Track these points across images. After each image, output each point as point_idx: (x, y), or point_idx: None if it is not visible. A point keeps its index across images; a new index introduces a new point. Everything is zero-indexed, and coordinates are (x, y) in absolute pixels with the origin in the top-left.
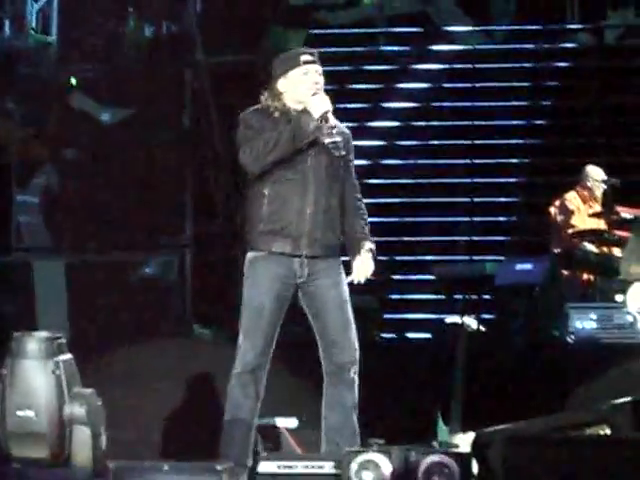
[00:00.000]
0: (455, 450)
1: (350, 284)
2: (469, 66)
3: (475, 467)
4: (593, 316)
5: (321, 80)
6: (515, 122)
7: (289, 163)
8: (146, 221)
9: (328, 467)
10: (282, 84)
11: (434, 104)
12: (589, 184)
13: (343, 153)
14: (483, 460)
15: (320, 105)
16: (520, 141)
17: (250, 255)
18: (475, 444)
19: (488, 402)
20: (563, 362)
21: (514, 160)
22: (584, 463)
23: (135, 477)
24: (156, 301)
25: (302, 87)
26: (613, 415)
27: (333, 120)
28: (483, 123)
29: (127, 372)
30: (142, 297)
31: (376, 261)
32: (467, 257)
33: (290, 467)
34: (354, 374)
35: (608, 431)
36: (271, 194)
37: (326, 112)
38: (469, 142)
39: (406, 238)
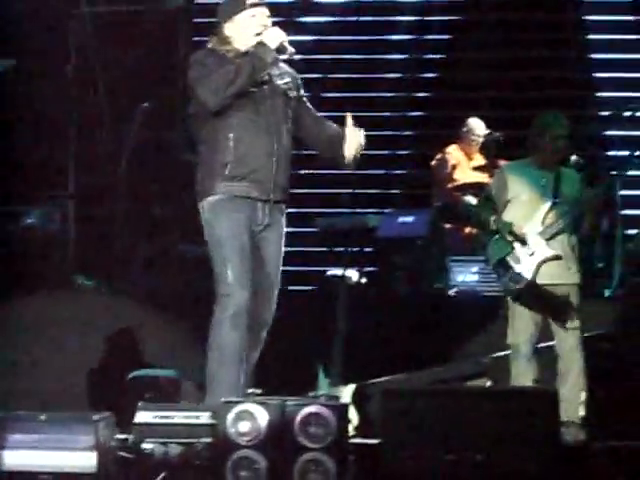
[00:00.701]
0: (331, 402)
1: None
2: (353, 19)
3: (355, 419)
4: (474, 269)
5: (268, 22)
6: (399, 75)
7: (251, 106)
8: (29, 174)
9: (205, 417)
10: (229, 28)
11: (319, 57)
12: (471, 137)
13: (295, 94)
14: (363, 412)
15: (276, 36)
16: (403, 94)
17: (212, 199)
18: (355, 396)
19: (370, 354)
20: (445, 314)
21: (397, 113)
22: (460, 414)
23: (11, 427)
24: (38, 252)
25: (249, 30)
26: (493, 368)
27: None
28: (367, 76)
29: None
30: (24, 248)
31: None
32: (350, 210)
33: (167, 417)
34: (264, 336)
35: (489, 383)
36: (237, 137)
37: (282, 42)
38: (352, 95)
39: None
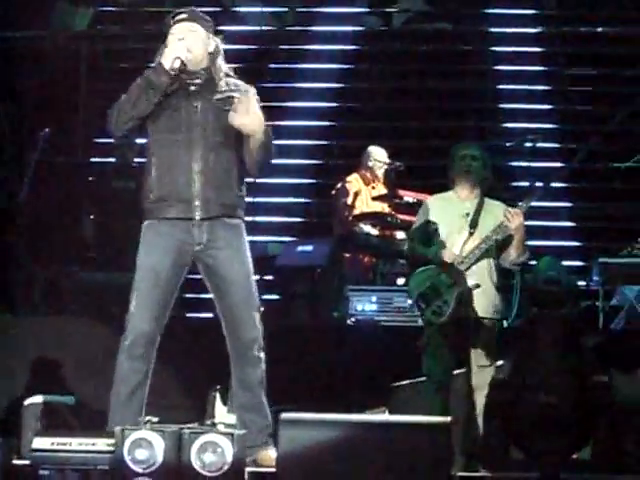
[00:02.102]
0: (228, 430)
1: None
2: (258, 47)
3: None
4: (373, 299)
5: (190, 36)
6: (302, 104)
7: (169, 124)
8: None
9: (102, 444)
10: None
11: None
12: (371, 165)
13: (229, 107)
14: None
15: (169, 54)
16: (307, 123)
17: (145, 223)
18: None
19: (269, 382)
20: (343, 343)
21: (300, 142)
22: (354, 444)
23: None
24: None
25: (169, 46)
26: (391, 397)
27: (225, 77)
28: (273, 104)
29: None
30: None
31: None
32: (250, 237)
33: (64, 444)
34: (257, 351)
35: (386, 413)
36: (158, 159)
37: (176, 59)
38: None
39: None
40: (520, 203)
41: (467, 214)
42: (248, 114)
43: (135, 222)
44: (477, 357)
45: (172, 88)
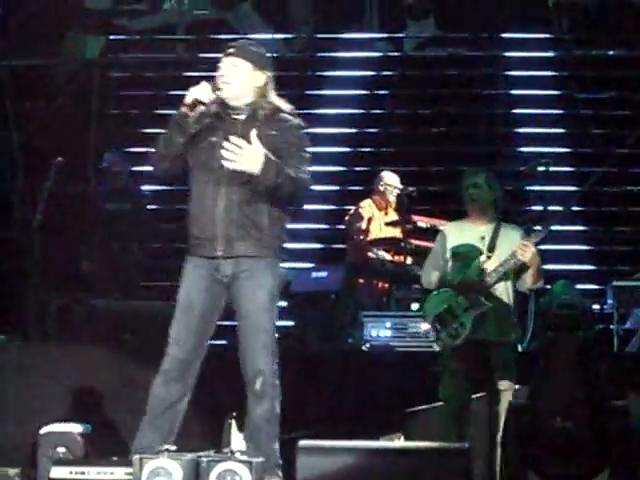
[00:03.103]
0: (245, 457)
1: None
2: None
3: None
4: (388, 324)
5: (230, 71)
6: (315, 130)
7: (207, 161)
8: None
9: (120, 473)
10: None
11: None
12: (384, 191)
13: (267, 145)
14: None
15: (190, 94)
16: (320, 149)
17: (186, 257)
18: None
19: (285, 409)
20: (358, 369)
21: (314, 168)
22: (373, 471)
23: None
24: None
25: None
26: (407, 423)
27: (276, 112)
28: None
29: None
30: None
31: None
32: None
33: (82, 473)
34: (260, 386)
35: (402, 439)
36: (193, 196)
37: (195, 100)
38: None
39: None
40: (533, 234)
41: (483, 237)
42: (242, 159)
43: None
44: (496, 379)
45: (197, 130)
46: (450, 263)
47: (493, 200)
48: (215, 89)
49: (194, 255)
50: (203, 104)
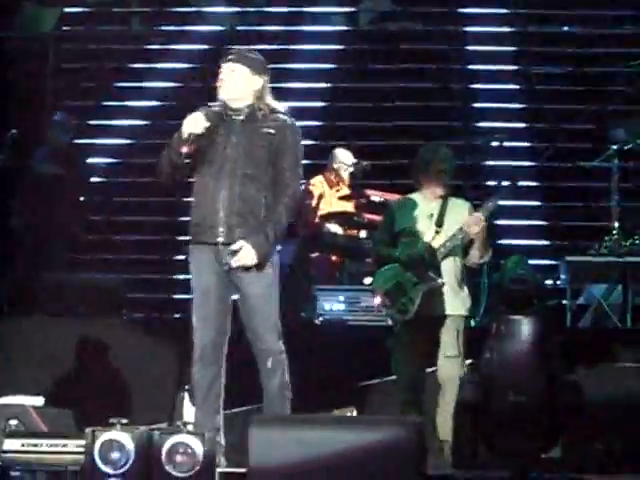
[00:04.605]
0: (198, 430)
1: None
2: (228, 47)
3: (222, 446)
4: (341, 298)
5: (230, 75)
6: None
7: (210, 157)
8: None
9: (72, 445)
10: None
11: (195, 85)
12: (336, 167)
13: (264, 143)
14: (231, 440)
15: (185, 129)
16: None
17: (189, 247)
18: (224, 424)
19: (237, 382)
20: (311, 343)
21: None
22: (325, 443)
23: None
24: None
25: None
26: (360, 397)
27: (271, 112)
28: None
29: None
30: None
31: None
32: None
33: (35, 445)
34: (271, 364)
35: (355, 412)
36: (196, 188)
37: (190, 134)
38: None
39: (158, 218)
40: (482, 208)
41: (432, 215)
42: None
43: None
44: (444, 348)
45: (194, 149)
46: (399, 239)
47: (451, 178)
48: (207, 120)
49: (196, 243)
50: (199, 136)
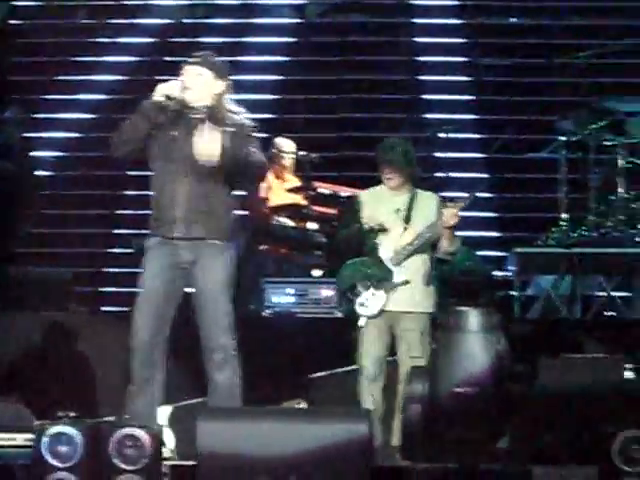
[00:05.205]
0: (146, 423)
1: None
2: (176, 40)
3: (172, 440)
4: (289, 291)
5: (193, 78)
6: None
7: (168, 154)
8: None
9: (21, 439)
10: None
11: (143, 78)
12: (278, 157)
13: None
14: (179, 433)
15: (160, 89)
16: None
17: (148, 242)
18: (171, 417)
19: (186, 375)
20: (260, 335)
21: None
22: (274, 435)
23: None
24: None
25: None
26: (309, 389)
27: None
28: None
29: None
30: None
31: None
32: None
33: None
34: (222, 357)
35: (303, 404)
36: (155, 184)
37: (163, 94)
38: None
39: (105, 211)
40: (457, 202)
41: (399, 209)
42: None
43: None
44: (409, 349)
45: (161, 120)
46: (366, 233)
47: (409, 173)
48: (181, 89)
49: (155, 236)
50: (170, 99)
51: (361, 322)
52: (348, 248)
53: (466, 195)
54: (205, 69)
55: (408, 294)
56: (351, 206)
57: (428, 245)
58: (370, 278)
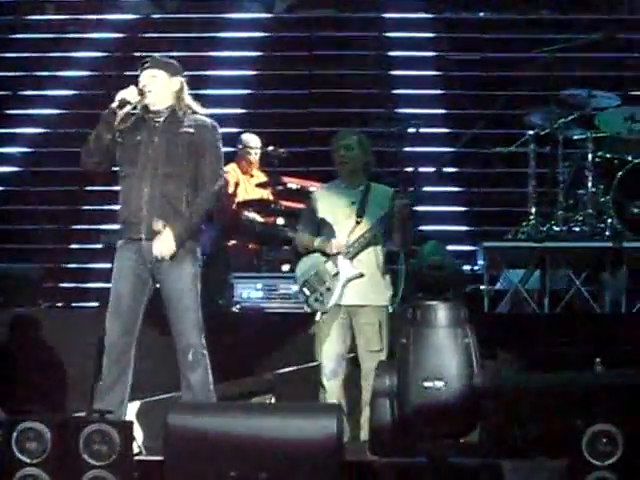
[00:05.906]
0: (116, 419)
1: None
2: (142, 36)
3: (140, 435)
4: (258, 286)
5: (150, 80)
6: None
7: (132, 158)
8: None
9: None
10: None
11: (110, 73)
12: (244, 153)
13: (184, 142)
14: (148, 428)
15: (119, 95)
16: None
17: (117, 243)
18: (140, 413)
19: (154, 371)
20: (229, 331)
21: None
22: (243, 431)
23: None
24: None
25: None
26: (277, 384)
27: (191, 113)
28: None
29: None
30: None
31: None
32: None
33: None
34: (192, 357)
35: (273, 400)
36: (121, 188)
37: (122, 100)
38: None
39: (77, 207)
40: (408, 192)
41: (353, 203)
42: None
43: None
44: (367, 343)
45: (127, 125)
46: (320, 228)
47: (364, 163)
48: (140, 93)
49: (122, 238)
50: (129, 104)
51: (317, 317)
52: (304, 250)
53: (413, 189)
54: (158, 70)
55: (362, 287)
56: (307, 204)
57: (381, 238)
58: (324, 273)
